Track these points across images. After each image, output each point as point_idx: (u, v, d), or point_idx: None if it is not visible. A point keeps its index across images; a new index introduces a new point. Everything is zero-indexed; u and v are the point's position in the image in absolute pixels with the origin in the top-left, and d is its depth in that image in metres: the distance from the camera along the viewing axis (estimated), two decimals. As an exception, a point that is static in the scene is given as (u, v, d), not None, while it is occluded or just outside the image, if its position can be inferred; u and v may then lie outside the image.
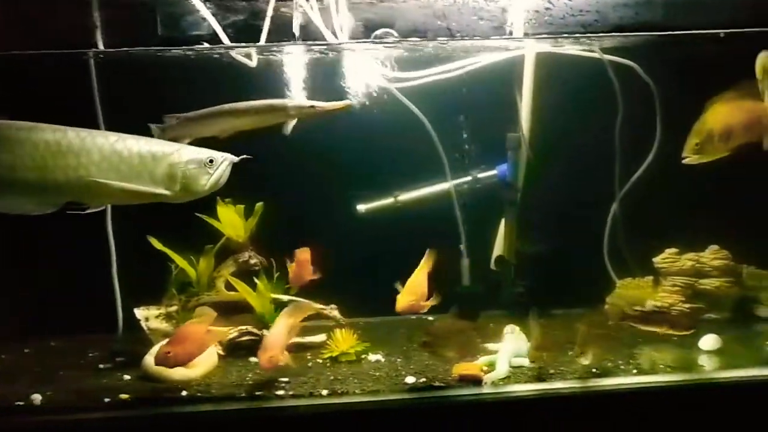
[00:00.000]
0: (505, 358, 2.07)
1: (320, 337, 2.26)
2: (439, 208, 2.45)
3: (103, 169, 1.81)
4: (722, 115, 2.17)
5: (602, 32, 2.12)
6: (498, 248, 2.47)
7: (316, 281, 2.13)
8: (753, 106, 2.17)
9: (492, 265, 2.48)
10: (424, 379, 1.97)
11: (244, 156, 1.91)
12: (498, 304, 2.47)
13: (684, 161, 2.18)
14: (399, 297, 1.96)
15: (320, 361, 2.14)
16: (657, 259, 2.45)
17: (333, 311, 2.26)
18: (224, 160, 1.87)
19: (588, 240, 2.60)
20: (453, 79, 2.27)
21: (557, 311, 2.56)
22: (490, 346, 2.19)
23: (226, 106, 2.04)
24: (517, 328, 2.22)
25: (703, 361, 2.11)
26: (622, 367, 2.04)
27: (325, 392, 1.90)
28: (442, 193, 2.41)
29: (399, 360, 2.14)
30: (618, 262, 2.58)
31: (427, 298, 1.99)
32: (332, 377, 2.01)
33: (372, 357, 2.16)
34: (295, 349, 2.17)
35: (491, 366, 2.04)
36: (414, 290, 1.98)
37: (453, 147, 2.38)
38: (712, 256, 2.43)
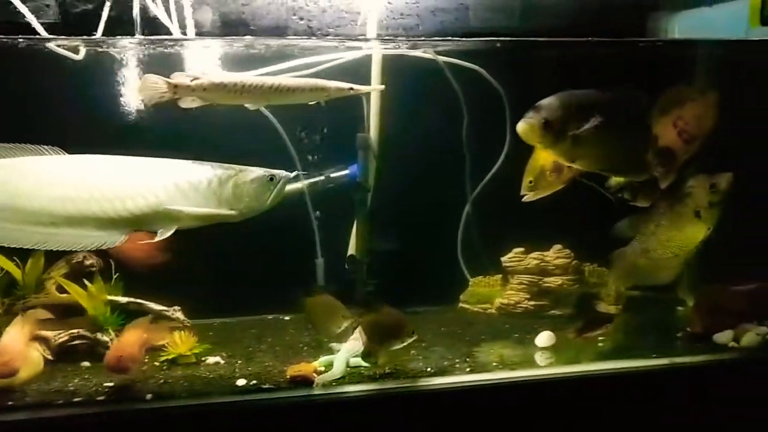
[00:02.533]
0: (342, 358, 2.08)
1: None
2: (293, 206, 2.43)
3: (172, 196, 1.85)
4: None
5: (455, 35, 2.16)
6: (351, 247, 2.48)
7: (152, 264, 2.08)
8: None
9: (346, 265, 2.49)
10: (255, 381, 1.96)
11: (297, 172, 2.09)
12: (351, 303, 2.49)
13: (523, 199, 2.24)
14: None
15: (157, 364, 2.09)
16: (504, 259, 2.54)
17: (176, 312, 2.20)
18: (284, 177, 1.95)
19: (442, 239, 2.66)
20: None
21: (416, 309, 2.62)
22: (335, 345, 2.21)
23: (267, 79, 1.94)
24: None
25: (536, 357, 2.18)
26: (457, 365, 2.09)
27: (149, 396, 1.85)
28: (294, 191, 2.39)
29: (239, 362, 2.11)
30: (472, 261, 2.66)
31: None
32: (162, 381, 1.96)
33: (211, 359, 2.13)
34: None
35: (329, 366, 2.06)
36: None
37: (304, 146, 2.37)
38: (555, 255, 2.53)
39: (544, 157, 2.18)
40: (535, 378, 2.05)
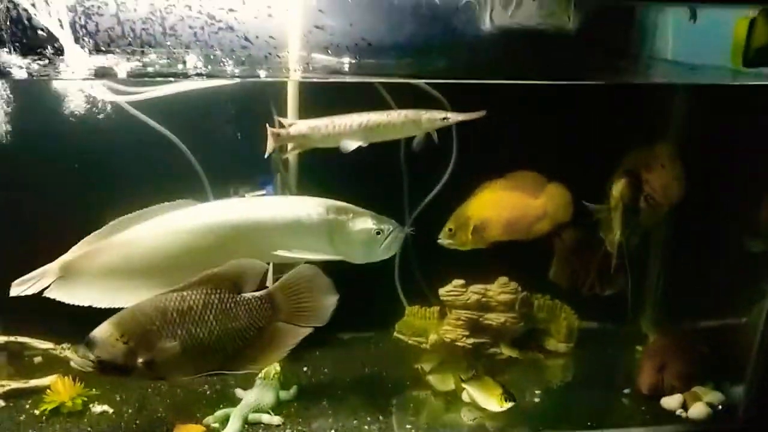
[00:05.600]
0: (239, 414, 1.87)
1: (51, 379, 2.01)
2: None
3: (287, 240, 1.78)
4: (485, 206, 2.02)
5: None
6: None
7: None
8: (520, 200, 2.02)
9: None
10: (135, 445, 1.79)
11: (411, 229, 1.97)
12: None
13: (438, 241, 2.04)
14: None
15: (37, 412, 1.91)
16: (442, 291, 2.27)
17: (64, 351, 2.01)
18: (393, 230, 1.86)
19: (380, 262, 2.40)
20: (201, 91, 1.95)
21: (343, 335, 2.43)
22: (239, 392, 2.02)
23: (356, 117, 1.86)
24: (273, 373, 2.05)
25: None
26: (369, 428, 1.88)
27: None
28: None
29: (129, 411, 1.92)
30: (410, 288, 2.41)
31: None
32: (31, 440, 1.79)
33: (98, 408, 1.93)
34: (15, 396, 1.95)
35: (225, 423, 1.87)
36: None
37: (210, 164, 2.10)
38: (499, 289, 2.26)
39: (475, 210, 1.95)
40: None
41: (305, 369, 2.16)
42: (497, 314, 2.24)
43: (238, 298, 1.56)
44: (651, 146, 2.05)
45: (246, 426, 1.86)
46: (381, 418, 1.92)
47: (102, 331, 1.46)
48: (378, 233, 1.85)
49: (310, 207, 1.82)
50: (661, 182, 2.09)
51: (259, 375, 2.01)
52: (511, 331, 2.24)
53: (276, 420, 1.89)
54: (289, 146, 1.92)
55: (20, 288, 1.64)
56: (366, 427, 1.88)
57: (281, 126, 1.91)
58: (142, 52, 1.63)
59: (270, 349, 1.59)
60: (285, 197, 2.08)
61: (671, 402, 1.96)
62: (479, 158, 2.21)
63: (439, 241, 2.04)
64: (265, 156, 1.92)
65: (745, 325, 2.00)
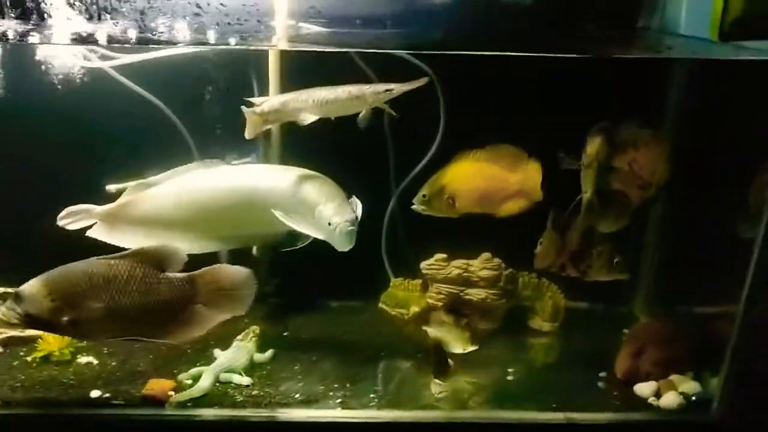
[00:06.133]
0: (211, 372, 1.95)
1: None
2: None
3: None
4: (460, 176, 1.98)
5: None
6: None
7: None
8: (497, 174, 1.97)
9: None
10: (108, 395, 1.87)
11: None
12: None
13: (412, 207, 2.03)
14: None
15: (29, 359, 2.03)
16: (424, 264, 2.26)
17: None
18: (339, 224, 1.79)
19: (367, 233, 2.40)
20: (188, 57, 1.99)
21: (331, 302, 2.45)
22: (216, 352, 2.09)
23: (312, 93, 1.89)
24: (251, 336, 2.11)
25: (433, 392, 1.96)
26: (331, 394, 1.91)
27: (-6, 399, 1.81)
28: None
29: (113, 364, 2.03)
30: (397, 259, 2.41)
31: None
32: (17, 384, 1.90)
33: (84, 359, 2.04)
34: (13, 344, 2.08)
35: (196, 381, 1.95)
36: None
37: (198, 131, 2.14)
38: (481, 265, 2.24)
39: (450, 178, 1.92)
40: (412, 420, 1.86)
41: (285, 334, 2.23)
42: (478, 290, 2.22)
43: (161, 276, 1.67)
44: (638, 123, 1.95)
45: (217, 384, 1.94)
46: (348, 385, 1.95)
47: (31, 286, 1.57)
48: (329, 224, 1.81)
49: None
50: (648, 160, 1.99)
51: (238, 337, 2.09)
52: (492, 307, 2.24)
53: (246, 381, 1.94)
54: (265, 123, 1.96)
55: (65, 220, 1.88)
56: (331, 393, 1.92)
57: (254, 105, 1.94)
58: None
59: (188, 328, 1.69)
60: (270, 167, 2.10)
61: (644, 389, 1.90)
62: (468, 130, 2.17)
63: (413, 207, 2.03)
64: (247, 138, 1.97)
65: (734, 314, 1.91)
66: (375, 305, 2.35)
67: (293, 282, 2.35)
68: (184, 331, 1.69)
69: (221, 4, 1.69)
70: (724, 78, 1.89)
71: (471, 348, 1.98)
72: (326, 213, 1.81)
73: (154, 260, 1.66)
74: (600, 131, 1.89)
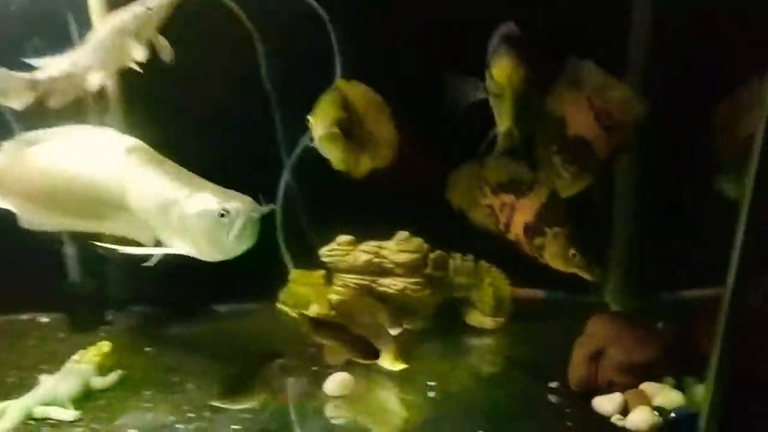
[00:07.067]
0: (21, 406, 1.45)
1: None
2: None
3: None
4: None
5: None
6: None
7: None
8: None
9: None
10: None
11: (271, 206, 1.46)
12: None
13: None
14: None
15: None
16: (323, 251, 1.76)
17: None
18: (242, 211, 1.40)
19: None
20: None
21: (222, 307, 1.97)
22: (42, 378, 1.58)
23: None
24: (92, 355, 1.61)
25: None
26: (184, 428, 1.42)
27: None
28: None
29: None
30: (295, 246, 1.91)
31: None
32: None
33: None
34: None
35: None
36: None
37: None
38: (397, 247, 1.74)
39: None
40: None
41: (147, 349, 1.75)
42: (394, 279, 1.72)
43: None
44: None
45: (30, 422, 1.44)
46: (208, 415, 1.46)
47: None
48: (222, 215, 1.39)
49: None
50: (619, 98, 1.53)
51: (73, 357, 1.61)
52: (414, 300, 1.73)
53: (70, 415, 1.46)
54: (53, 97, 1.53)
55: None
56: (181, 426, 1.43)
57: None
58: None
59: None
60: None
61: (605, 403, 1.38)
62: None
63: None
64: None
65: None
66: (272, 306, 1.88)
67: (169, 284, 1.85)
68: None
69: None
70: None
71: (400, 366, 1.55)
72: (209, 203, 1.40)
73: None
74: (505, 47, 1.38)
